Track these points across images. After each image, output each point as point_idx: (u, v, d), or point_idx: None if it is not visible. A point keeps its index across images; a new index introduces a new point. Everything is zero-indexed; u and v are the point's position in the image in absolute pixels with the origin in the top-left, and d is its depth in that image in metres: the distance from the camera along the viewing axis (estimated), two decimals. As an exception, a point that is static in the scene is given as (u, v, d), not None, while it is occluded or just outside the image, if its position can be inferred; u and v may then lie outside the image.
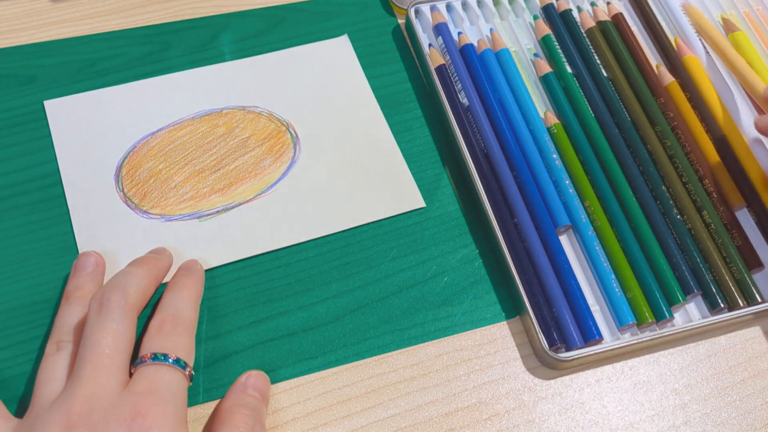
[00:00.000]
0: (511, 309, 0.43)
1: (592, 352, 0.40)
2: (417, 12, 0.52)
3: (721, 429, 0.40)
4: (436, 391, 0.40)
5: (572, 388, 0.41)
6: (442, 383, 0.40)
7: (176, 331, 0.36)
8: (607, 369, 0.41)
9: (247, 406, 0.36)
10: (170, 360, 0.34)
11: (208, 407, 0.38)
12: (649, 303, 0.42)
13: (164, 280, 0.40)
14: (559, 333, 0.41)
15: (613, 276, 0.43)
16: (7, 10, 0.50)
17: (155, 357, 0.34)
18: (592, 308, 0.42)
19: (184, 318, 0.37)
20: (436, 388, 0.40)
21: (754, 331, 0.44)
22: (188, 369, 0.35)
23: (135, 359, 0.35)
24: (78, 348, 0.35)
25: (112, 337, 0.34)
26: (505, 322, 0.42)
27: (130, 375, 0.34)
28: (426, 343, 0.41)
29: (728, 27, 0.54)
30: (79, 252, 0.41)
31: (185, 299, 0.38)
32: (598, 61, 0.51)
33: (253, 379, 0.38)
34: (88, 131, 0.45)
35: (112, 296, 0.35)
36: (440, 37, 0.51)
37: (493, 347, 0.41)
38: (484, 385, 0.40)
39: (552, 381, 0.41)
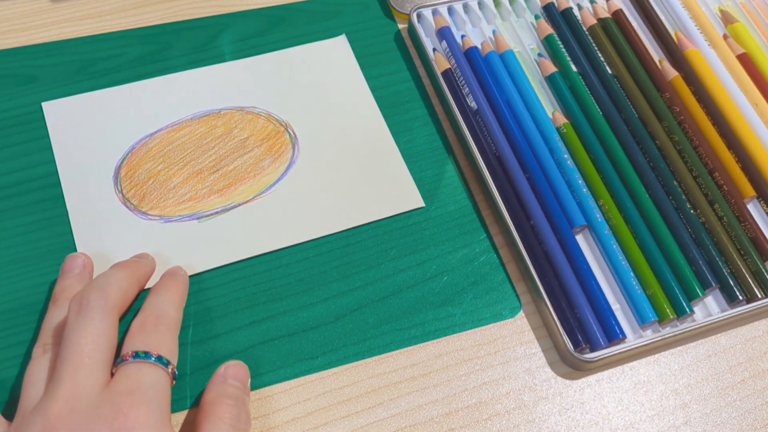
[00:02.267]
0: (510, 309, 0.43)
1: (617, 351, 0.40)
2: (419, 16, 0.52)
3: (721, 429, 0.40)
4: (436, 391, 0.40)
5: (572, 388, 0.41)
6: (442, 383, 0.40)
7: (158, 329, 0.35)
8: (608, 369, 0.41)
9: (230, 396, 0.35)
10: (152, 357, 0.34)
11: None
12: (669, 299, 0.42)
13: (147, 286, 0.40)
14: (582, 334, 0.41)
15: (631, 274, 0.43)
16: (7, 10, 0.50)
17: (136, 355, 0.34)
18: (612, 307, 0.42)
19: (167, 317, 0.36)
20: (436, 388, 0.40)
21: (755, 331, 0.43)
22: (171, 367, 0.35)
23: (117, 359, 0.35)
24: None
25: (92, 337, 0.34)
26: (505, 323, 0.42)
27: (112, 375, 0.34)
28: (426, 343, 0.41)
29: (726, 18, 0.54)
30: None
31: (168, 300, 0.38)
32: (602, 59, 0.51)
33: (232, 369, 0.37)
34: (87, 132, 0.45)
35: (91, 296, 0.35)
36: (444, 41, 0.51)
37: (492, 347, 0.41)
38: (484, 385, 0.40)
39: (552, 381, 0.41)
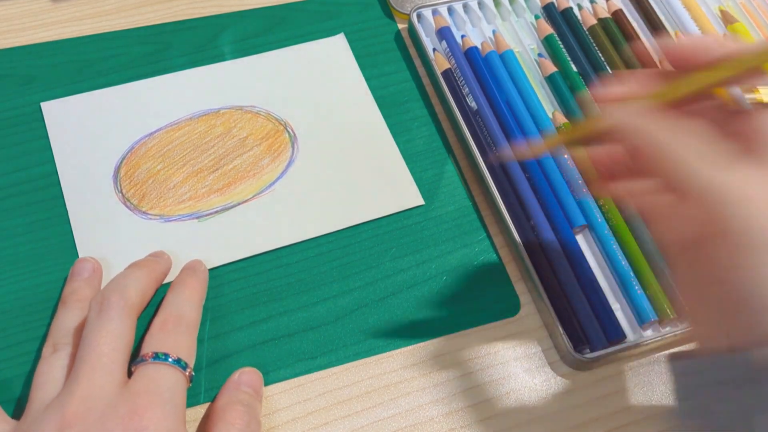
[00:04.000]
0: (510, 309, 0.42)
1: (618, 351, 0.40)
2: (419, 16, 0.52)
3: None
4: (436, 391, 0.40)
5: (572, 388, 0.40)
6: (442, 383, 0.40)
7: (178, 330, 0.36)
8: (608, 369, 0.41)
9: (242, 403, 0.36)
10: (171, 359, 0.34)
11: (205, 407, 0.38)
12: (670, 299, 0.42)
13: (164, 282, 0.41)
14: (582, 333, 0.41)
15: (631, 274, 0.43)
16: (7, 10, 0.50)
17: (156, 356, 0.34)
18: (612, 307, 0.42)
19: (187, 318, 0.37)
20: (436, 388, 0.40)
21: (756, 331, 0.43)
22: (188, 369, 0.35)
23: (135, 358, 0.35)
24: (75, 349, 0.35)
25: (111, 338, 0.34)
26: (504, 322, 0.42)
27: (130, 375, 0.34)
28: (426, 343, 0.41)
29: (726, 19, 0.54)
30: (78, 253, 0.41)
31: (188, 299, 0.38)
32: (603, 59, 0.51)
33: (246, 375, 0.38)
34: (86, 132, 0.45)
35: (112, 297, 0.35)
36: (444, 41, 0.51)
37: (492, 347, 0.41)
38: (484, 385, 0.40)
39: (552, 381, 0.41)
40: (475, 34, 0.52)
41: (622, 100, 0.31)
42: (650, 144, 0.29)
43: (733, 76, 0.28)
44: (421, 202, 0.45)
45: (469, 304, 0.42)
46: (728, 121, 0.30)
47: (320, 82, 0.49)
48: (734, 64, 0.28)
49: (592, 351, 0.40)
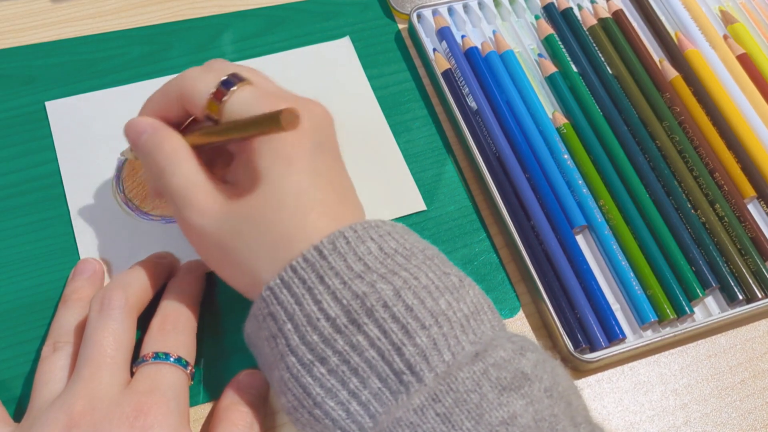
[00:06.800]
0: (511, 309, 0.43)
1: (618, 352, 0.40)
2: (419, 16, 0.52)
3: (721, 429, 0.40)
4: (436, 391, 0.40)
5: (572, 388, 0.41)
6: (443, 383, 0.40)
7: (177, 330, 0.36)
8: (608, 369, 0.41)
9: (244, 404, 0.36)
10: (171, 359, 0.35)
11: (210, 407, 0.38)
12: (669, 299, 0.42)
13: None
14: (583, 334, 0.41)
15: (631, 274, 0.43)
16: (7, 10, 0.50)
17: (157, 356, 0.34)
18: (612, 307, 0.42)
19: (185, 317, 0.37)
20: (437, 388, 0.40)
21: (755, 331, 0.44)
22: (189, 368, 0.35)
23: (136, 358, 0.35)
24: (76, 348, 0.36)
25: (114, 337, 0.34)
26: (504, 323, 0.42)
27: (131, 374, 0.35)
28: (426, 344, 0.41)
29: (726, 19, 0.54)
30: (80, 253, 0.41)
31: (186, 298, 0.38)
32: (603, 59, 0.51)
33: (249, 377, 0.38)
34: (90, 132, 0.45)
35: (113, 296, 0.35)
36: (444, 41, 0.51)
37: (493, 347, 0.41)
38: (484, 385, 0.40)
39: (552, 381, 0.41)
40: (476, 35, 0.52)
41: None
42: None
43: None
44: (423, 207, 0.45)
45: (470, 305, 0.42)
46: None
47: (325, 86, 0.49)
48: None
49: (592, 351, 0.41)
